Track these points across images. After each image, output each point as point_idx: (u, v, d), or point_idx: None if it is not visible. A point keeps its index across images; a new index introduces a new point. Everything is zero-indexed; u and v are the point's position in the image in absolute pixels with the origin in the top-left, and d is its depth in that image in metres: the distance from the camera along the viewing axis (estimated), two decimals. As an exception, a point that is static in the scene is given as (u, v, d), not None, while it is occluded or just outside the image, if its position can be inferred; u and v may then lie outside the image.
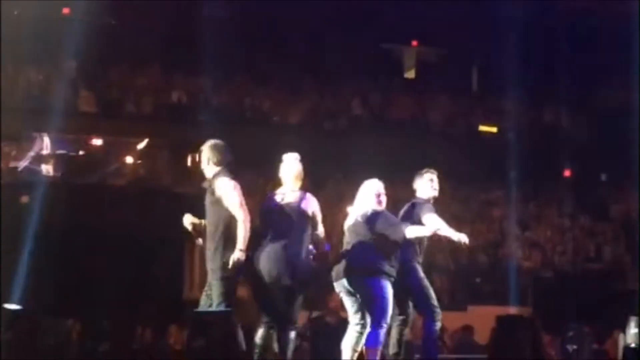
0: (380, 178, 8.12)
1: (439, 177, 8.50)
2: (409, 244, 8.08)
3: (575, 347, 13.07)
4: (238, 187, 7.32)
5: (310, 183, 8.25)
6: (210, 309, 7.26)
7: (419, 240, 8.20)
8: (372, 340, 7.79)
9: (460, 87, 20.15)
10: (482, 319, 14.17)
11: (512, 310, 14.63)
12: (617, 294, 15.31)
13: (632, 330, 9.99)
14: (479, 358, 12.23)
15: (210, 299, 7.32)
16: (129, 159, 17.20)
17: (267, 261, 7.33)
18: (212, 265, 7.29)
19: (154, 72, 17.91)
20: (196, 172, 7.97)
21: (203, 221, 7.45)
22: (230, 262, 7.13)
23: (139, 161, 16.25)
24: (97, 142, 17.02)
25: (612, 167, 17.80)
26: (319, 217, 7.50)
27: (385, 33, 19.48)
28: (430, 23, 19.09)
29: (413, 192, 8.46)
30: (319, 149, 16.27)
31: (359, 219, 7.90)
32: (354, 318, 7.94)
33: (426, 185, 8.42)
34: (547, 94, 18.96)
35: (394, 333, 8.20)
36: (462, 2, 18.92)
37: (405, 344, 8.46)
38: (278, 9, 17.95)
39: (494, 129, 19.01)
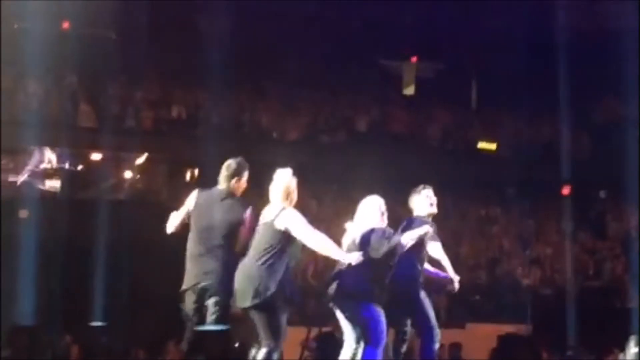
0: (379, 194, 7.96)
1: (436, 192, 8.38)
2: (412, 263, 8.03)
3: (574, 365, 13.07)
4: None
5: (308, 197, 8.18)
6: (208, 328, 7.25)
7: (421, 258, 8.15)
8: (368, 358, 7.69)
9: (459, 102, 20.13)
10: (480, 337, 14.17)
11: (511, 328, 14.58)
12: (617, 312, 15.28)
13: (631, 349, 9.96)
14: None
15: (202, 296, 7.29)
16: (128, 174, 17.22)
17: (235, 281, 7.26)
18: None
19: (153, 87, 17.89)
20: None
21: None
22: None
23: (138, 176, 16.26)
24: (97, 156, 17.05)
25: (611, 184, 17.74)
26: (296, 231, 7.21)
27: (384, 48, 19.49)
28: (429, 39, 19.10)
29: (410, 210, 8.35)
30: (317, 164, 16.26)
31: (358, 239, 7.75)
32: (349, 337, 7.82)
33: (423, 202, 8.32)
34: (545, 109, 18.93)
35: (391, 351, 8.13)
36: (460, 17, 18.94)
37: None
38: (277, 25, 17.95)
39: (493, 147, 18.97)
